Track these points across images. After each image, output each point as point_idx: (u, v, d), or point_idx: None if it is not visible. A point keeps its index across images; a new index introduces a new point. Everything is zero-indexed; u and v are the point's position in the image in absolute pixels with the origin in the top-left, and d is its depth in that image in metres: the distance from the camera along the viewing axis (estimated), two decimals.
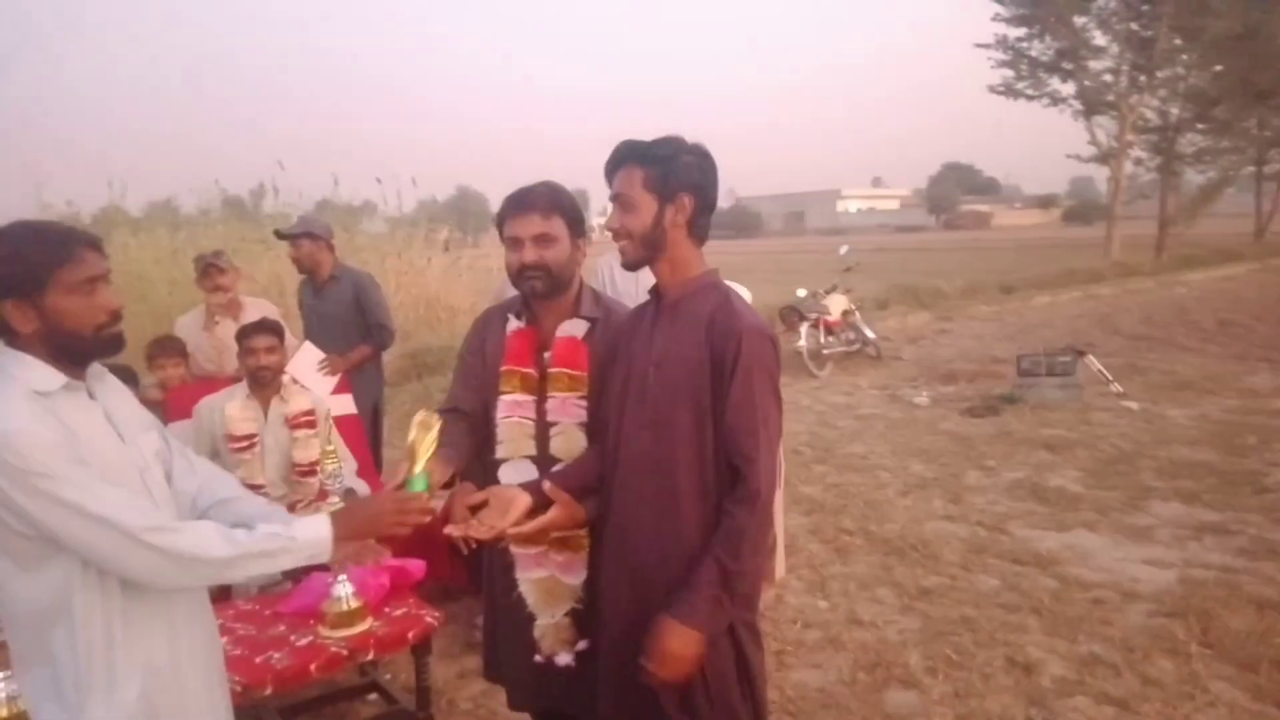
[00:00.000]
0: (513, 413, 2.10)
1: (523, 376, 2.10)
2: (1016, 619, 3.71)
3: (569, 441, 2.04)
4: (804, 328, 9.44)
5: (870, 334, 10.20)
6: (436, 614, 2.96)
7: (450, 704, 3.23)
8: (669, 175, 1.82)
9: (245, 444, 3.62)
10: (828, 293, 10.23)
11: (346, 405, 4.35)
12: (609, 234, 1.91)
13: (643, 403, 1.87)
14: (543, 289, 2.06)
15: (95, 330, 1.56)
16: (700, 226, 1.89)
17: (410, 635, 2.84)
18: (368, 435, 4.46)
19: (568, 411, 2.04)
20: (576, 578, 2.05)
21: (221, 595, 3.31)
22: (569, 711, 2.15)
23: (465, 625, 3.69)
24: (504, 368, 2.12)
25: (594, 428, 2.04)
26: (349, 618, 2.79)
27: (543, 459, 2.07)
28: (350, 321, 4.50)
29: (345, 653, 2.71)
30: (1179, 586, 3.95)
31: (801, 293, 10.31)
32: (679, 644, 1.72)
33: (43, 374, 1.52)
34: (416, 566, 3.14)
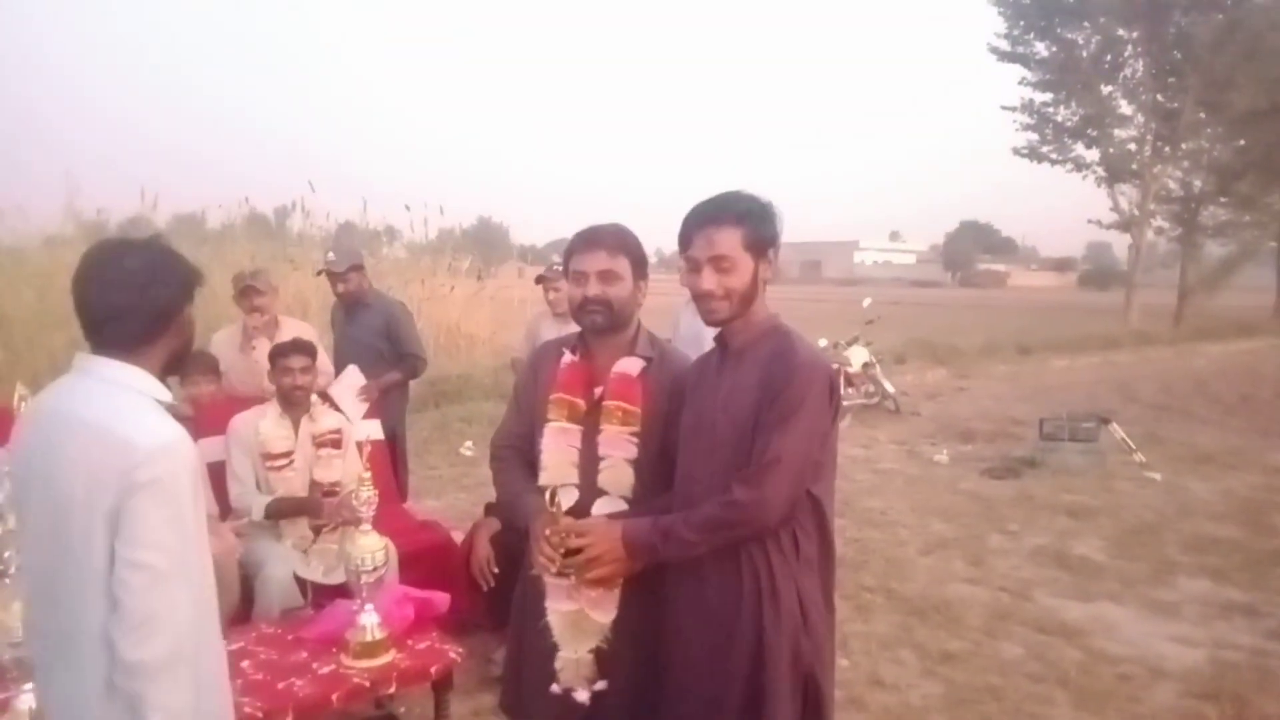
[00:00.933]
0: (559, 440, 2.10)
1: (571, 406, 2.11)
2: (1043, 690, 3.63)
3: (618, 475, 2.04)
4: None
5: (890, 388, 10.16)
6: (459, 649, 2.91)
7: None
8: (761, 232, 1.87)
9: (284, 461, 3.62)
10: (849, 344, 10.22)
11: (375, 431, 4.34)
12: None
13: (711, 448, 1.89)
14: (603, 323, 2.10)
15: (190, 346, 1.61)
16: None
17: (433, 670, 2.80)
18: (390, 460, 4.46)
19: (619, 445, 2.04)
20: (606, 615, 2.03)
21: (242, 617, 3.28)
22: None
23: (481, 660, 3.63)
24: (554, 396, 2.13)
25: (643, 466, 2.04)
26: (373, 648, 2.75)
27: (590, 490, 2.07)
28: (379, 348, 4.52)
29: (368, 684, 2.67)
30: (1209, 667, 3.86)
31: (823, 342, 10.30)
32: (605, 546, 1.88)
33: (158, 388, 1.56)
34: (441, 599, 3.10)
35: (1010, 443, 8.43)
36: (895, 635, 4.18)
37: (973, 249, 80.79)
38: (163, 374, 1.60)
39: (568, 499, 2.05)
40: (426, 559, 3.80)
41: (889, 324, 17.65)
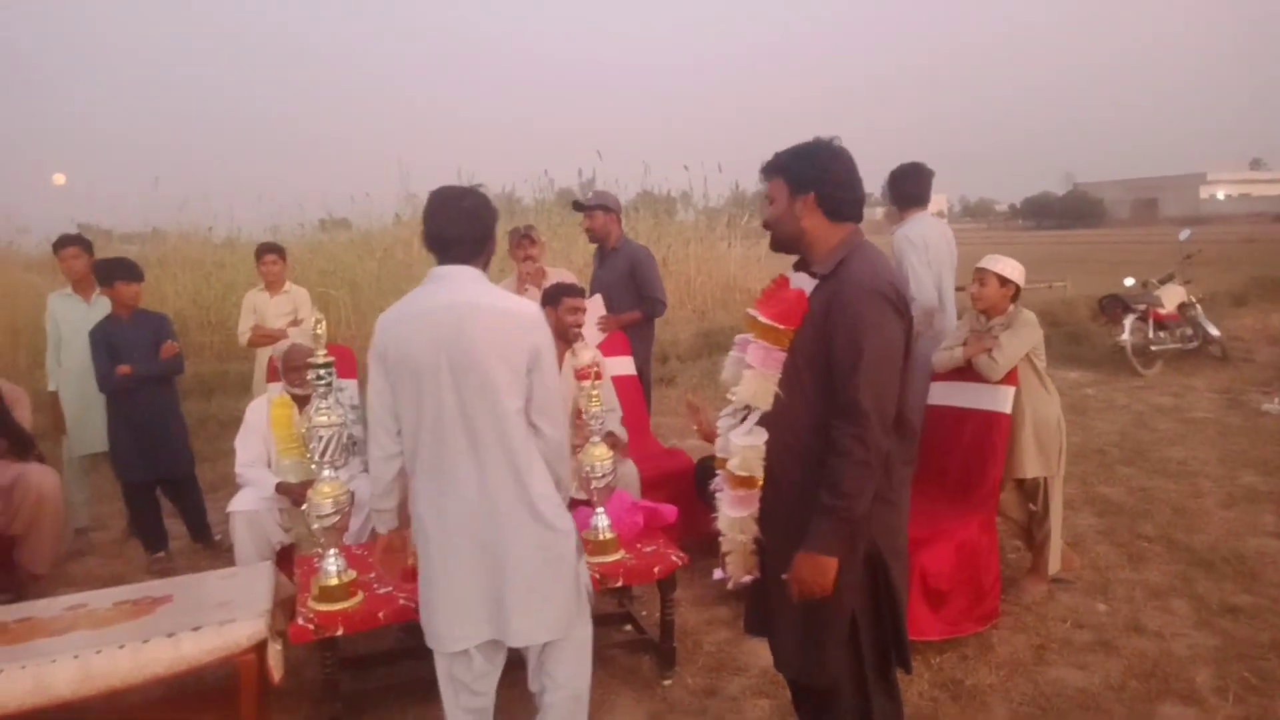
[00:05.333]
0: (740, 349, 2.22)
1: (750, 321, 2.22)
2: None
3: (755, 387, 2.08)
4: (1129, 320, 8.47)
5: (1214, 331, 8.89)
6: (683, 555, 3.17)
7: (695, 644, 3.43)
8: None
9: None
10: (1161, 282, 9.07)
11: (627, 366, 4.72)
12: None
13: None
14: (772, 245, 2.22)
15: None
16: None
17: (656, 570, 3.08)
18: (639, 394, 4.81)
19: (765, 361, 2.09)
20: (737, 512, 2.14)
21: None
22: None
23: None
24: (746, 311, 2.26)
25: (789, 382, 2.08)
26: (603, 547, 3.09)
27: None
28: (624, 289, 4.86)
29: (598, 576, 2.99)
30: None
31: (1129, 282, 9.25)
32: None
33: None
34: (669, 511, 3.38)
35: None
36: (1170, 585, 3.82)
37: None
38: None
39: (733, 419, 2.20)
40: (669, 482, 4.10)
41: (1231, 262, 15.34)
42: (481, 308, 2.13)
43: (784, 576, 2.03)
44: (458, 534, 2.19)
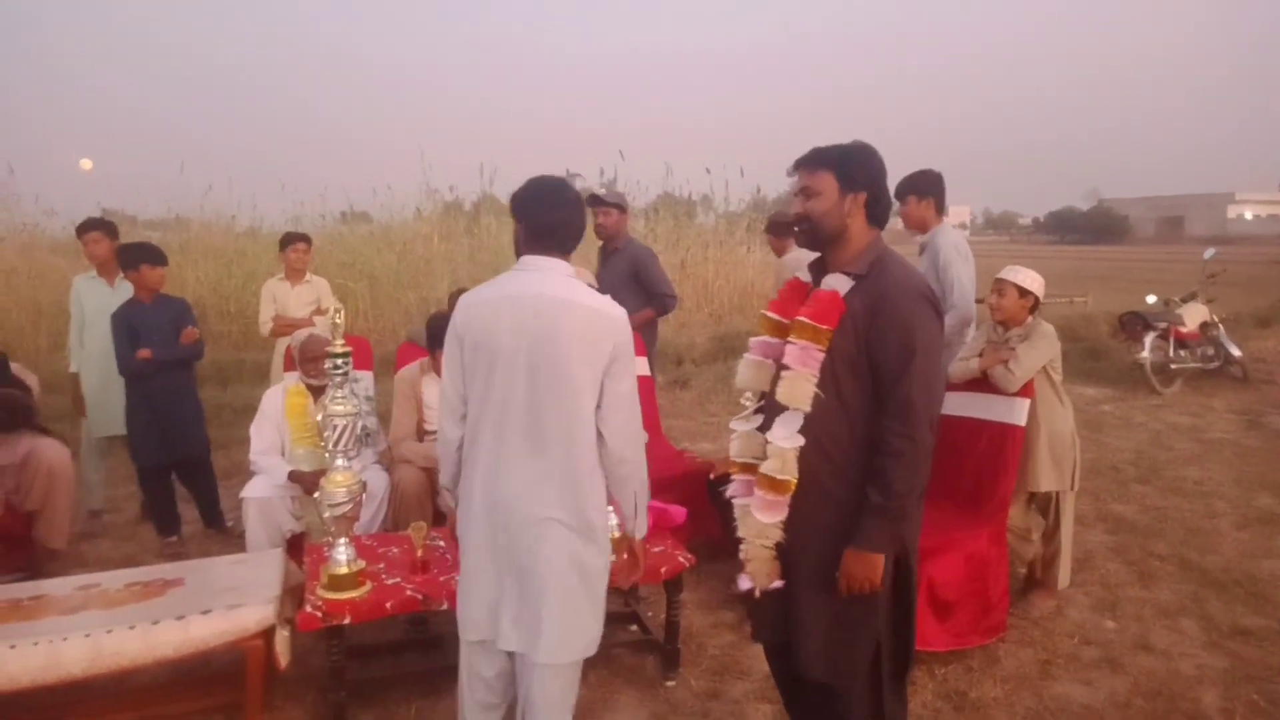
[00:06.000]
0: (756, 351, 2.24)
1: (772, 323, 2.23)
2: None
3: (794, 387, 2.06)
4: (1149, 338, 8.39)
5: (1236, 351, 8.80)
6: (690, 556, 3.17)
7: (700, 647, 3.43)
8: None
9: None
10: (1184, 301, 8.99)
11: (643, 367, 4.72)
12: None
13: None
14: (805, 240, 2.21)
15: None
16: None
17: (663, 570, 3.08)
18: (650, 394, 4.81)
19: (803, 360, 2.07)
20: (769, 517, 2.13)
21: None
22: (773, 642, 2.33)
23: (725, 581, 3.87)
24: (762, 313, 2.27)
25: (829, 382, 2.07)
26: (612, 546, 3.09)
27: (770, 402, 2.17)
28: (628, 289, 4.84)
29: None
30: None
31: (1151, 299, 9.17)
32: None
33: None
34: (678, 512, 3.38)
35: None
36: (1180, 604, 3.79)
37: None
38: None
39: (753, 422, 2.22)
40: (679, 485, 4.10)
41: (1259, 283, 15.19)
42: (572, 303, 2.07)
43: (836, 574, 2.07)
44: (499, 529, 2.12)
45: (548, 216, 2.14)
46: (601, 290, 4.95)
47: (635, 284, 4.88)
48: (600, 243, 5.16)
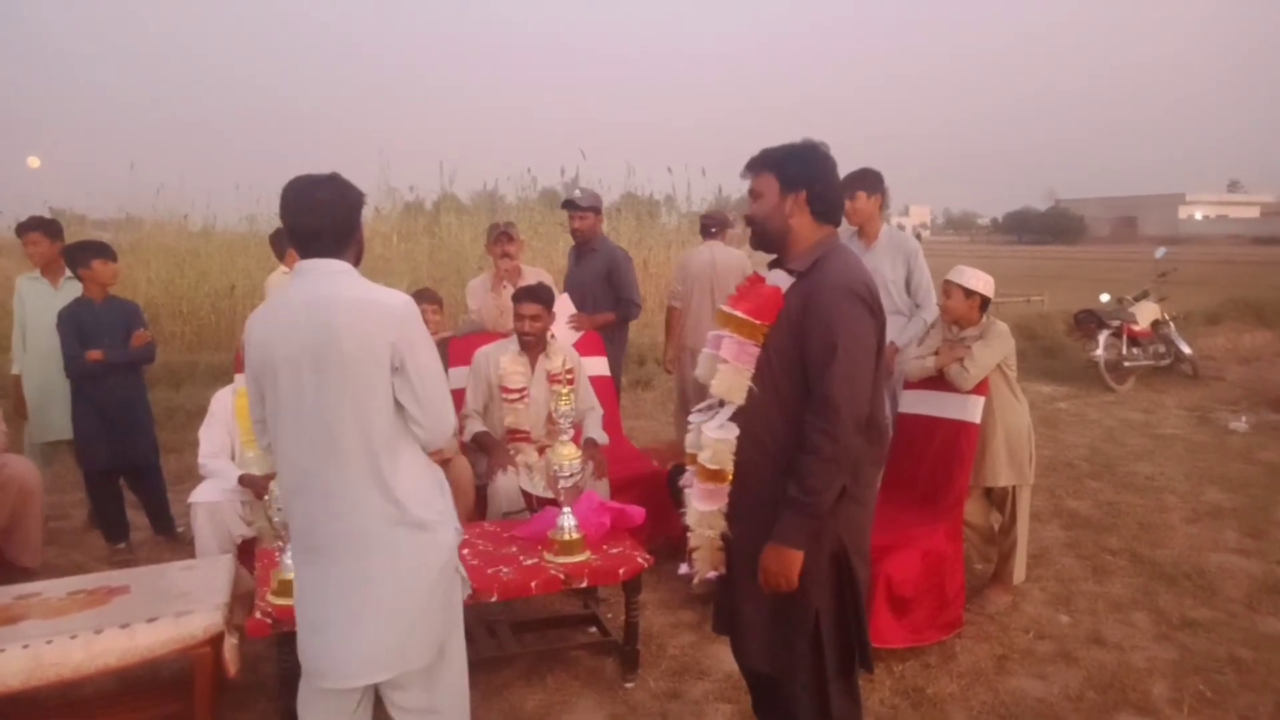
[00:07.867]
0: (711, 346, 2.22)
1: (726, 316, 2.22)
2: None
3: (728, 381, 2.09)
4: (1103, 336, 8.55)
5: (1187, 349, 9.00)
6: (649, 557, 3.16)
7: (660, 648, 3.41)
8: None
9: (517, 396, 4.05)
10: (1136, 299, 9.17)
11: (601, 367, 4.71)
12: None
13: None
14: (755, 241, 2.24)
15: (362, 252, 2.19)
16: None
17: (621, 571, 3.07)
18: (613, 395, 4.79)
19: (738, 355, 2.09)
20: (706, 505, 2.15)
21: (475, 518, 3.77)
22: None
23: (685, 582, 3.85)
24: (720, 307, 2.26)
25: (764, 377, 2.09)
26: (570, 547, 3.08)
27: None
28: (600, 289, 4.84)
29: (562, 576, 2.99)
30: None
31: (1105, 298, 9.35)
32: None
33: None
34: (637, 512, 3.36)
35: None
36: (1131, 598, 3.85)
37: None
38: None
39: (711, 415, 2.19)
40: (639, 485, 4.09)
41: (1208, 282, 15.55)
42: (344, 300, 1.98)
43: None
44: (325, 551, 2.02)
45: (304, 222, 2.02)
46: (573, 289, 4.99)
47: (608, 284, 4.87)
48: (573, 243, 5.15)
